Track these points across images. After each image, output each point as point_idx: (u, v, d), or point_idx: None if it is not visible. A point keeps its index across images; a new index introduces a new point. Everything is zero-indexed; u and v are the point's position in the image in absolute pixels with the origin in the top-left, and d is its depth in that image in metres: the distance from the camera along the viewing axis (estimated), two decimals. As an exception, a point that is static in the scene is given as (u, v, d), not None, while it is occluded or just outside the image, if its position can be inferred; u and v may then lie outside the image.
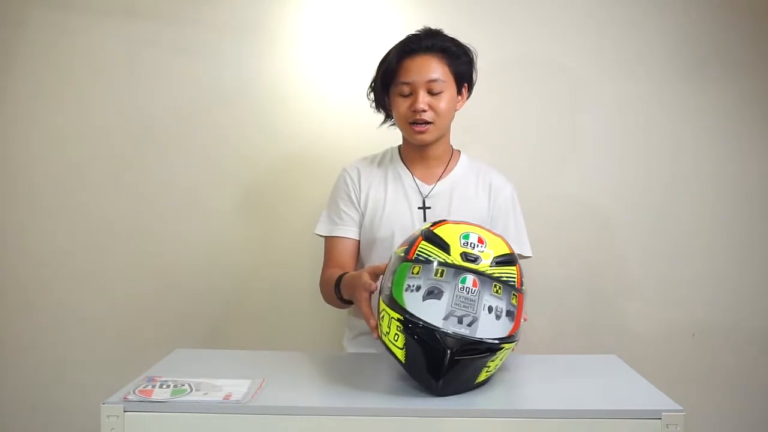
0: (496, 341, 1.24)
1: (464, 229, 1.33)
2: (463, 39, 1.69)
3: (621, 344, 2.18)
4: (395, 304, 1.26)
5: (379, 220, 1.70)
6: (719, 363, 2.26)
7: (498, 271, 1.27)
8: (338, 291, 1.58)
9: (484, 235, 1.33)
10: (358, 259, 1.77)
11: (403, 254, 1.31)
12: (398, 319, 1.25)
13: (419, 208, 1.71)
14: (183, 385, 1.28)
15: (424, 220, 1.67)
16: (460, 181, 1.74)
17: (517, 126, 2.24)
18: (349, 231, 1.73)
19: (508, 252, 1.33)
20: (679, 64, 2.23)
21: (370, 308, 1.38)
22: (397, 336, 1.26)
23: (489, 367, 1.27)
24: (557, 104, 2.24)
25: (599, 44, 2.23)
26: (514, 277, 1.30)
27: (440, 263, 1.26)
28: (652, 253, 2.25)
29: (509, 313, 1.26)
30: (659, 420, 1.18)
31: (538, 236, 2.22)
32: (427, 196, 1.72)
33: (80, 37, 2.22)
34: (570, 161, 2.25)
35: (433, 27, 1.69)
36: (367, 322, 1.37)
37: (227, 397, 1.24)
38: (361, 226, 1.74)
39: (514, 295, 1.28)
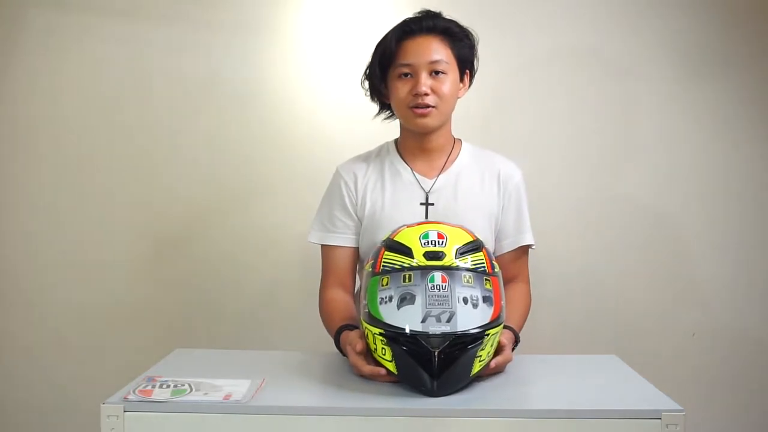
0: (480, 329, 1.24)
1: (422, 229, 1.33)
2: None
3: (621, 344, 2.18)
4: (374, 320, 1.27)
5: (380, 222, 1.58)
6: (719, 363, 2.26)
7: (464, 261, 1.28)
8: (336, 343, 1.51)
9: (443, 229, 1.33)
10: (361, 265, 1.67)
11: (370, 269, 1.32)
12: (380, 333, 1.26)
13: (421, 204, 1.60)
14: (183, 385, 1.28)
15: (426, 217, 1.57)
16: (465, 173, 1.62)
17: (523, 124, 2.24)
18: (344, 239, 1.63)
19: (471, 240, 1.33)
20: (678, 64, 2.23)
21: (362, 360, 1.34)
22: (384, 350, 1.27)
23: (480, 356, 1.27)
24: (559, 104, 2.24)
25: (599, 44, 2.23)
26: (483, 263, 1.30)
27: (406, 268, 1.27)
28: (652, 253, 2.25)
29: (486, 299, 1.27)
30: (659, 420, 1.18)
31: (539, 236, 2.24)
32: (429, 191, 1.60)
33: (80, 37, 2.22)
34: (570, 161, 2.25)
35: (432, 10, 1.59)
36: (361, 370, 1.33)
37: (227, 397, 1.24)
38: (357, 233, 1.63)
39: (486, 280, 1.28)
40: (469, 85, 1.64)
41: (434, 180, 1.62)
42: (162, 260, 2.26)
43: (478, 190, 1.62)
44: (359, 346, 1.34)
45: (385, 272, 1.29)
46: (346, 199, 1.63)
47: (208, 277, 2.26)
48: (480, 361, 1.28)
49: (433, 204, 1.60)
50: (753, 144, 2.24)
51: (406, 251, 1.30)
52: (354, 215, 1.63)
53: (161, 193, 2.25)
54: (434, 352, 1.21)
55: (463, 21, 1.60)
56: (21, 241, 2.26)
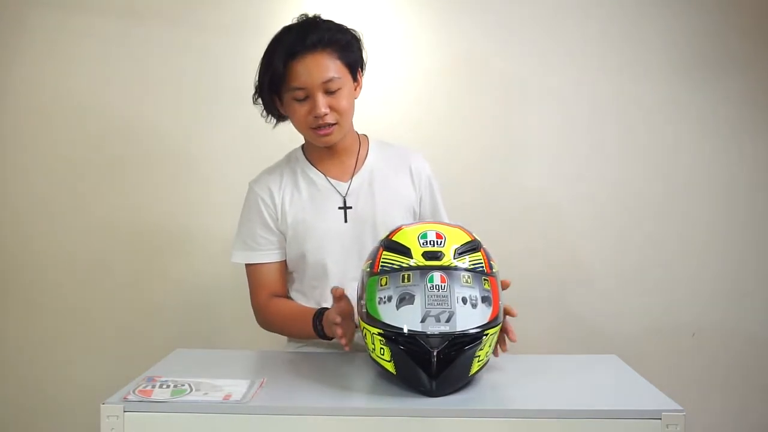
0: (479, 329, 1.24)
1: (421, 229, 1.34)
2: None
3: (621, 344, 2.18)
4: (372, 320, 1.27)
5: (304, 232, 1.60)
6: (719, 363, 2.26)
7: (463, 261, 1.28)
8: (318, 330, 1.52)
9: (442, 229, 1.33)
10: (289, 274, 1.68)
11: (368, 269, 1.33)
12: (379, 333, 1.26)
13: (339, 208, 1.61)
14: (183, 385, 1.28)
15: (345, 221, 1.60)
16: (377, 171, 1.64)
17: (520, 125, 2.24)
18: (269, 255, 1.62)
19: (470, 239, 1.34)
20: (678, 64, 2.23)
21: (343, 332, 1.39)
22: (382, 350, 1.27)
23: (479, 356, 1.27)
24: (557, 103, 2.24)
25: (599, 43, 2.23)
26: (481, 263, 1.30)
27: (405, 268, 1.27)
28: (652, 253, 2.25)
29: (485, 299, 1.27)
30: (659, 420, 1.18)
31: (539, 236, 2.24)
32: (346, 194, 1.62)
33: (80, 37, 2.22)
34: (569, 161, 2.25)
35: (311, 14, 1.58)
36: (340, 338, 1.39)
37: (227, 397, 1.24)
38: (282, 247, 1.63)
39: (485, 280, 1.28)
40: (362, 77, 1.61)
41: (349, 182, 1.63)
42: (162, 260, 2.26)
43: (393, 184, 1.65)
44: (338, 318, 1.37)
45: (383, 272, 1.29)
46: (266, 215, 1.62)
47: (208, 277, 2.26)
48: (479, 361, 1.28)
49: (351, 207, 1.61)
50: (754, 144, 2.25)
51: (405, 251, 1.30)
52: (276, 230, 1.62)
53: (161, 193, 2.25)
54: (433, 352, 1.21)
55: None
56: (21, 242, 2.27)
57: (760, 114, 2.24)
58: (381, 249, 1.34)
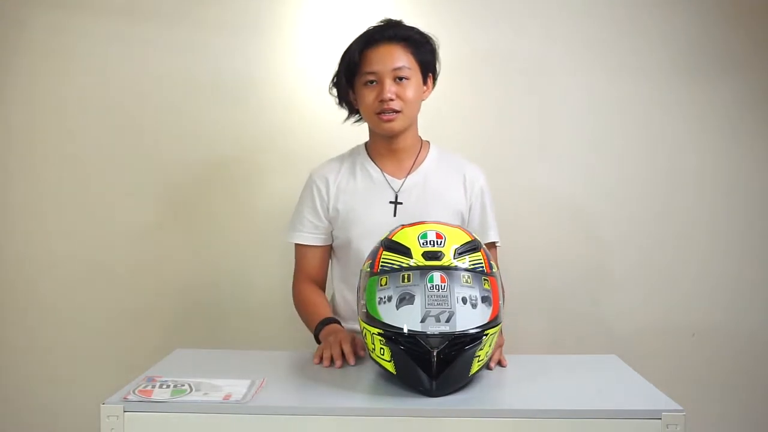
0: (479, 329, 1.24)
1: (421, 229, 1.34)
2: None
3: (621, 344, 2.18)
4: (372, 320, 1.28)
5: (353, 220, 1.68)
6: (719, 363, 2.26)
7: (463, 261, 1.28)
8: (317, 332, 1.61)
9: (442, 229, 1.34)
10: (335, 259, 1.77)
11: (368, 269, 1.33)
12: (379, 333, 1.26)
13: (390, 202, 1.68)
14: (183, 386, 1.28)
15: (394, 215, 1.66)
16: (432, 174, 1.71)
17: (518, 124, 2.24)
18: (310, 238, 1.73)
19: (469, 239, 1.34)
20: (679, 64, 2.23)
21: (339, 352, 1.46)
22: (382, 350, 1.28)
23: (479, 356, 1.27)
24: (556, 103, 2.24)
25: (599, 44, 2.23)
26: (481, 263, 1.31)
27: (405, 268, 1.27)
28: (651, 253, 2.25)
29: (485, 299, 1.27)
30: (659, 420, 1.19)
31: (538, 236, 2.24)
32: (399, 190, 1.69)
33: (80, 37, 2.22)
34: (569, 161, 2.25)
35: (393, 18, 1.68)
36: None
37: (227, 397, 1.24)
38: (326, 234, 1.73)
39: (485, 280, 1.29)
40: (433, 88, 1.72)
41: (403, 180, 1.70)
42: (162, 260, 2.25)
43: (445, 189, 1.71)
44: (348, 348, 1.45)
45: (383, 272, 1.29)
46: (317, 202, 1.72)
47: (208, 277, 2.26)
48: (479, 361, 1.28)
49: (401, 203, 1.68)
50: (754, 144, 2.24)
51: (405, 251, 1.30)
52: (323, 218, 1.72)
53: (161, 192, 2.25)
54: (433, 352, 1.21)
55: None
56: (21, 242, 2.26)
57: (763, 114, 2.24)
58: (381, 249, 1.34)
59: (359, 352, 1.46)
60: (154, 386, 1.28)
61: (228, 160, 2.25)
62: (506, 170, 2.20)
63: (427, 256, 1.28)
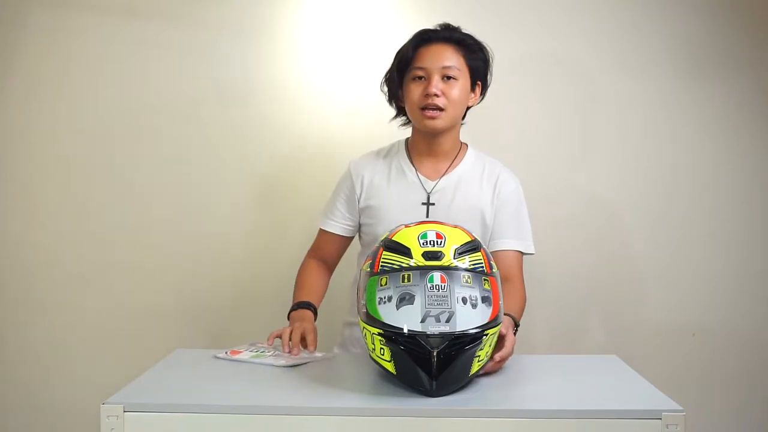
0: (479, 330, 1.24)
1: (421, 229, 1.34)
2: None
3: (621, 344, 2.18)
4: (372, 320, 1.27)
5: (382, 217, 1.69)
6: (719, 363, 2.26)
7: (463, 261, 1.28)
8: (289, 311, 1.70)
9: (442, 229, 1.34)
10: (362, 255, 1.78)
11: (369, 269, 1.33)
12: (379, 333, 1.26)
13: (423, 203, 1.69)
14: (262, 351, 1.54)
15: (427, 216, 1.67)
16: (465, 176, 1.72)
17: (521, 124, 2.24)
18: (334, 226, 1.77)
19: (470, 239, 1.34)
20: (681, 64, 2.23)
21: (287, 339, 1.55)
22: (383, 350, 1.27)
23: (479, 356, 1.27)
24: (560, 103, 2.24)
25: (601, 44, 2.22)
26: (481, 263, 1.31)
27: (405, 268, 1.27)
28: (651, 253, 2.25)
29: (485, 299, 1.27)
30: (659, 420, 1.18)
31: (538, 236, 2.23)
32: (431, 191, 1.70)
33: (80, 36, 2.22)
34: (569, 161, 2.25)
35: (452, 24, 1.71)
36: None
37: (288, 361, 1.47)
38: (352, 226, 1.77)
39: (485, 280, 1.29)
40: (482, 97, 1.74)
41: (436, 182, 1.71)
42: (162, 260, 2.25)
43: (475, 193, 1.71)
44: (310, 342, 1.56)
45: (383, 272, 1.29)
46: (348, 193, 1.75)
47: (209, 277, 2.26)
48: (479, 361, 1.28)
49: (434, 204, 1.69)
50: (753, 143, 2.24)
51: (405, 251, 1.30)
52: (354, 210, 1.75)
53: (162, 192, 2.25)
54: (433, 352, 1.21)
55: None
56: (21, 242, 2.26)
57: (760, 113, 2.24)
58: (381, 249, 1.34)
59: (309, 348, 1.55)
60: (244, 349, 1.54)
61: (228, 160, 2.25)
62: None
63: (427, 256, 1.28)
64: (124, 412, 1.21)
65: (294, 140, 2.24)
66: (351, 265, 1.86)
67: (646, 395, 1.30)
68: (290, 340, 1.53)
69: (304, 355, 1.51)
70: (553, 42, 2.23)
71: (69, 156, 2.25)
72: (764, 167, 2.25)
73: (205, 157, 2.25)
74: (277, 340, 1.58)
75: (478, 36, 1.70)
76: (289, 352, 1.51)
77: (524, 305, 1.68)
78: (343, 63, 2.22)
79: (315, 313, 1.69)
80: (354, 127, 2.17)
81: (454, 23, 1.71)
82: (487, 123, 2.22)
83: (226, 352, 1.52)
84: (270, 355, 1.50)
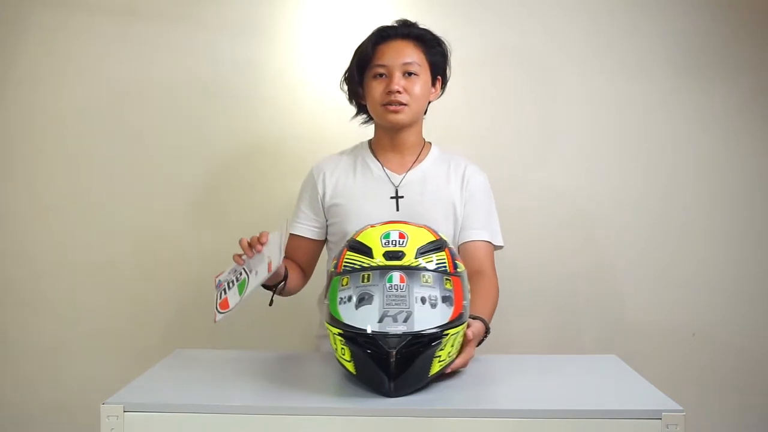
0: (438, 329, 1.23)
1: (385, 229, 1.33)
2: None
3: (621, 344, 2.18)
4: (334, 320, 1.27)
5: (348, 213, 1.69)
6: (719, 363, 2.26)
7: (426, 261, 1.28)
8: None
9: (406, 229, 1.33)
10: (330, 257, 1.78)
11: (333, 269, 1.33)
12: (339, 334, 1.26)
13: (392, 197, 1.69)
14: (240, 276, 1.48)
15: (397, 209, 1.67)
16: (432, 170, 1.73)
17: (518, 125, 2.24)
18: (300, 228, 1.76)
19: (434, 239, 1.33)
20: (679, 64, 2.23)
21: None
22: (343, 350, 1.27)
23: (440, 356, 1.26)
24: (560, 103, 2.24)
25: (599, 44, 2.23)
26: (444, 263, 1.30)
27: (365, 268, 1.27)
28: (651, 253, 2.25)
29: (446, 299, 1.26)
30: (659, 420, 1.18)
31: (538, 236, 2.24)
32: (399, 185, 1.70)
33: (80, 36, 2.22)
34: (569, 161, 2.25)
35: (411, 20, 1.71)
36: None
37: (269, 267, 1.40)
38: (318, 227, 1.76)
39: (447, 280, 1.27)
40: (442, 92, 1.75)
41: (403, 176, 1.72)
42: (162, 260, 2.25)
43: (443, 186, 1.71)
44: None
45: (345, 272, 1.29)
46: (312, 195, 1.75)
47: (208, 277, 2.26)
48: (440, 362, 1.27)
49: (403, 197, 1.69)
50: (753, 144, 2.24)
51: (367, 251, 1.29)
52: (319, 210, 1.75)
53: (162, 192, 2.25)
54: (391, 352, 1.20)
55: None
56: (20, 241, 2.26)
57: (760, 114, 2.24)
58: (345, 249, 1.33)
59: (261, 237, 1.52)
60: (221, 293, 1.49)
61: (228, 160, 2.25)
62: (505, 169, 2.19)
63: (388, 255, 1.27)
64: (124, 412, 1.21)
65: (296, 141, 2.24)
66: (323, 279, 1.84)
67: (646, 395, 1.30)
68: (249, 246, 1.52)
69: (272, 250, 1.46)
70: (554, 42, 2.23)
71: (70, 156, 2.25)
72: (764, 167, 2.25)
73: (206, 156, 2.25)
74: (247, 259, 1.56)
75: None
76: (252, 249, 1.50)
77: (497, 300, 1.65)
78: (343, 63, 2.20)
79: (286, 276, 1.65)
80: (354, 127, 2.17)
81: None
82: (485, 123, 2.23)
83: (217, 312, 1.50)
84: (249, 279, 1.47)
